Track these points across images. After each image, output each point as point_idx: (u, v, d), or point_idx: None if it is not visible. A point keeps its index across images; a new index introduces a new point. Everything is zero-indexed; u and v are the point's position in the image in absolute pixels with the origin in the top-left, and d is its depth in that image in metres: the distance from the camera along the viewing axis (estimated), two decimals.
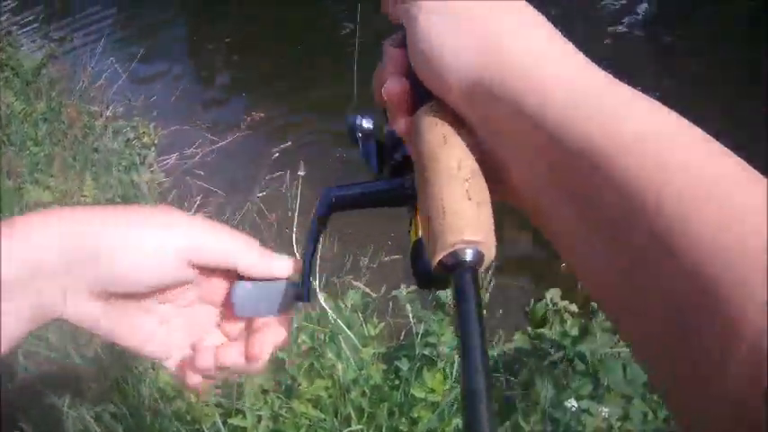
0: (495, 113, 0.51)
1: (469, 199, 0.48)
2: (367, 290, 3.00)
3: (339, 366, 2.51)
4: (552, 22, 0.53)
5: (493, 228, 0.49)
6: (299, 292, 0.68)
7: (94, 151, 4.88)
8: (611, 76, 0.49)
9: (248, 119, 5.50)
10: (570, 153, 0.46)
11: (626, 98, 0.46)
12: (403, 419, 2.50)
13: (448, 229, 0.47)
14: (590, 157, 0.44)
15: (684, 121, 0.45)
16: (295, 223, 3.06)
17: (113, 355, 2.69)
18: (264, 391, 2.44)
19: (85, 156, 4.70)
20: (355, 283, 3.07)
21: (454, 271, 0.46)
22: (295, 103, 6.40)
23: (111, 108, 5.65)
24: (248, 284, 0.68)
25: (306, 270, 0.68)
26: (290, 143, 5.48)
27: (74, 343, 2.88)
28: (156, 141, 5.29)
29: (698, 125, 0.45)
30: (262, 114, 5.68)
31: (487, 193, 0.51)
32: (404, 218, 0.65)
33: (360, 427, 2.45)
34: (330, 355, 2.60)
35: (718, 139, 0.43)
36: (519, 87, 0.49)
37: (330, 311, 2.74)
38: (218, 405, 2.40)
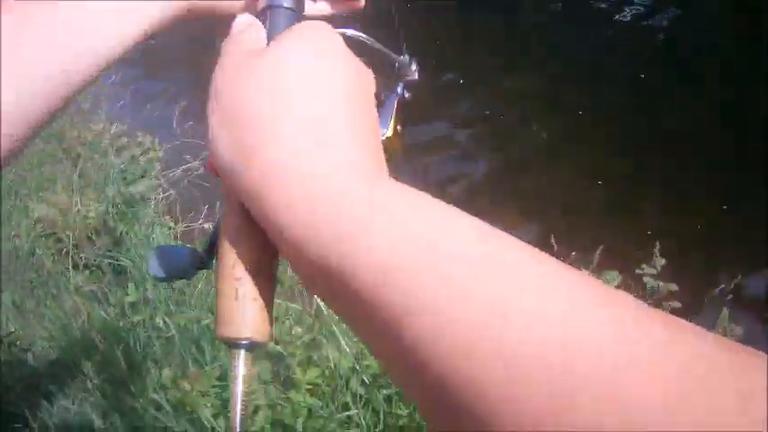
0: (263, 223, 0.52)
1: (236, 299, 0.55)
2: None
3: (331, 357, 2.55)
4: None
5: (265, 318, 0.56)
6: (204, 259, 0.70)
7: (99, 168, 4.96)
8: (381, 182, 0.49)
9: None
10: (313, 276, 0.48)
11: (383, 219, 0.45)
12: (401, 405, 2.54)
13: (220, 324, 0.55)
14: (346, 283, 0.44)
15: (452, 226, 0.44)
16: None
17: (118, 356, 2.76)
18: (265, 383, 2.49)
19: (87, 173, 4.79)
20: None
21: (231, 350, 0.55)
22: None
23: (114, 126, 5.70)
24: (165, 248, 0.71)
25: (211, 240, 0.69)
26: None
27: (81, 345, 2.95)
28: (160, 156, 5.34)
29: None
30: None
31: (262, 288, 0.56)
32: None
33: (356, 411, 2.50)
34: (326, 345, 2.65)
35: None
36: (267, 205, 0.50)
37: (324, 306, 2.80)
38: (217, 396, 2.45)
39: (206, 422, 2.37)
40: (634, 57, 5.99)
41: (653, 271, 3.08)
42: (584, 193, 4.63)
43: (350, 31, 0.69)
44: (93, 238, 3.89)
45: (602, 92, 5.55)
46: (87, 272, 3.73)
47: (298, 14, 0.67)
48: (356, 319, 0.46)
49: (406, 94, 0.75)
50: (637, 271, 3.14)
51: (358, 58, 0.59)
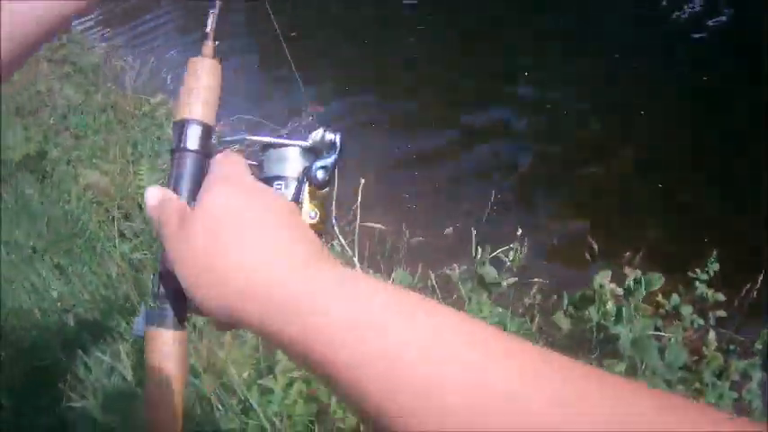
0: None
1: (163, 418, 0.69)
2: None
3: None
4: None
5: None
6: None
7: (157, 139, 4.99)
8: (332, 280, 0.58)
9: (309, 109, 5.52)
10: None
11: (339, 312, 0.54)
12: None
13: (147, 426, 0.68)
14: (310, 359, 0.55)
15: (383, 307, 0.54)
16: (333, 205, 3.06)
17: None
18: None
19: (145, 143, 4.81)
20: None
21: None
22: (356, 97, 6.50)
23: (172, 99, 5.73)
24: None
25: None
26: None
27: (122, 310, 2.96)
28: (218, 129, 5.37)
29: None
30: (320, 108, 5.72)
31: (179, 404, 0.69)
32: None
33: None
34: None
35: None
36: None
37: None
38: (254, 366, 2.44)
39: (238, 389, 2.35)
40: (692, 57, 5.94)
41: (705, 276, 3.03)
42: (638, 191, 4.59)
43: (257, 138, 0.76)
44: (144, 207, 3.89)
45: (660, 92, 5.50)
46: (137, 240, 3.74)
47: (207, 152, 0.74)
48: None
49: (320, 176, 0.73)
50: (689, 273, 3.08)
51: (267, 188, 0.70)
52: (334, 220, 3.01)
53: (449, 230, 3.44)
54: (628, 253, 3.24)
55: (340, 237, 3.01)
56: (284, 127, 5.35)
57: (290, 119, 5.46)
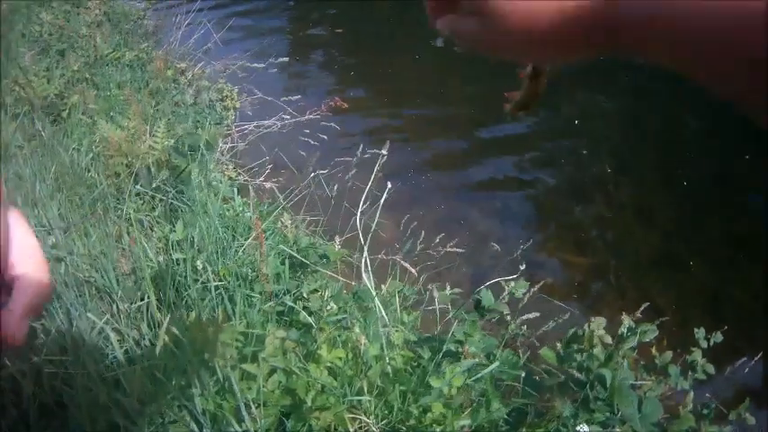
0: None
1: None
2: (412, 270, 3.02)
3: (363, 341, 2.50)
4: None
5: None
6: None
7: (175, 105, 4.99)
8: None
9: (330, 103, 5.51)
10: None
11: None
12: (414, 405, 2.50)
13: None
14: None
15: None
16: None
17: (147, 287, 2.74)
18: (285, 351, 2.44)
19: (164, 106, 4.81)
20: (404, 263, 3.07)
21: None
22: (379, 99, 6.53)
23: (198, 67, 5.74)
24: None
25: None
26: (364, 134, 5.66)
27: (116, 270, 2.94)
28: (237, 106, 5.41)
29: None
30: (345, 105, 5.71)
31: None
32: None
33: (368, 398, 2.44)
34: (357, 327, 2.62)
35: None
36: None
37: (371, 288, 2.78)
38: (238, 351, 2.41)
39: (219, 372, 2.33)
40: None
41: (705, 344, 3.01)
42: (665, 253, 4.61)
43: None
44: (153, 170, 3.87)
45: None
46: (140, 201, 3.72)
47: None
48: None
49: None
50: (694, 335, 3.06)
51: None
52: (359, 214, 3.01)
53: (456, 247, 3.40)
54: (637, 310, 3.23)
55: (360, 231, 3.00)
56: (302, 115, 5.34)
57: (309, 108, 5.43)
